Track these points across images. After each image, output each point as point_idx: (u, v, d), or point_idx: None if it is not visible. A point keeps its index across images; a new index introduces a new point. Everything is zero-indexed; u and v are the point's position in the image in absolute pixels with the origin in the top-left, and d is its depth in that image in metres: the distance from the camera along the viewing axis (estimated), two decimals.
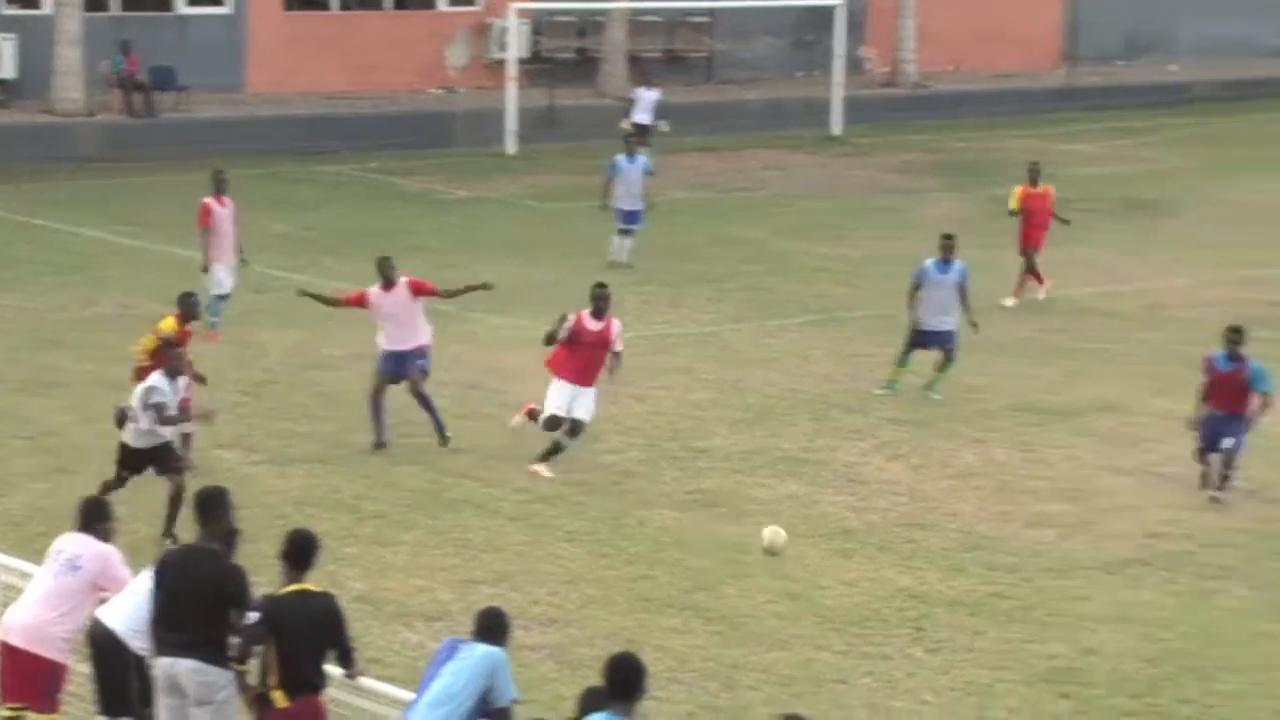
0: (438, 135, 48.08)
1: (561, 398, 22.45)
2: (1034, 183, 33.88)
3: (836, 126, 51.87)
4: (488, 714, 13.03)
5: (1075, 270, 35.02)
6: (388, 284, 23.42)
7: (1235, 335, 22.52)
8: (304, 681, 13.54)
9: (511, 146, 47.33)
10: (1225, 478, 22.24)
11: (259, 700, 13.66)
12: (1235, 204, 42.78)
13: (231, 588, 13.79)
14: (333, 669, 13.76)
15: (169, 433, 20.00)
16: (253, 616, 13.65)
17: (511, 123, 47.34)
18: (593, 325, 22.49)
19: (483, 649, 13.12)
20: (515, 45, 48.46)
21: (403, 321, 23.40)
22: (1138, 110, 57.84)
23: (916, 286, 26.63)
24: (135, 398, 19.83)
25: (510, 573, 19.53)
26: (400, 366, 23.35)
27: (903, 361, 26.56)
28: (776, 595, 19.26)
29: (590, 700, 12.29)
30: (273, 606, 13.66)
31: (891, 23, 56.93)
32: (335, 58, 49.97)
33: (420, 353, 23.56)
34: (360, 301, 23.63)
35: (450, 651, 13.21)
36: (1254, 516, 21.81)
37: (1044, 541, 21.09)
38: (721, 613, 18.79)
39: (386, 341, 23.43)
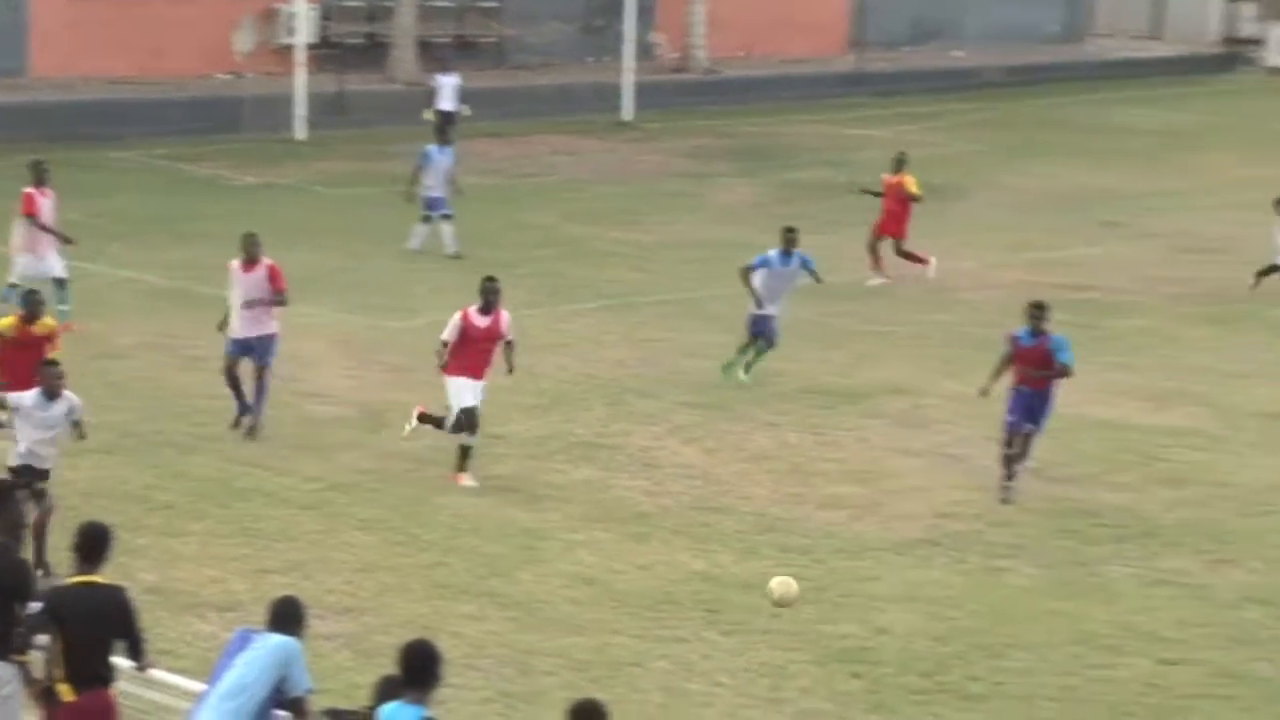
0: (226, 121, 47.56)
1: (461, 391, 21.93)
2: (896, 171, 34.60)
3: (627, 112, 52.01)
4: (282, 704, 12.93)
5: (862, 254, 35.29)
6: (250, 262, 23.38)
7: (1038, 311, 22.37)
8: (91, 674, 13.34)
9: (300, 132, 47.01)
10: (1019, 457, 22.08)
11: (46, 694, 13.45)
12: (1021, 188, 43.42)
13: (11, 580, 13.57)
14: (123, 661, 13.59)
15: (41, 451, 18.81)
16: (35, 607, 13.45)
17: (300, 108, 47.00)
18: (480, 321, 22.04)
19: (276, 639, 13.00)
20: (304, 30, 48.09)
21: (254, 304, 23.34)
22: (924, 95, 58.55)
23: (751, 269, 26.56)
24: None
25: (304, 561, 19.39)
26: (247, 352, 23.33)
27: (755, 359, 26.69)
28: (571, 580, 19.27)
29: (386, 688, 12.24)
30: (55, 598, 13.45)
31: (682, 8, 57.19)
32: (121, 42, 49.33)
33: (267, 342, 23.45)
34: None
35: (243, 642, 13.08)
36: (1040, 496, 22.13)
37: (835, 523, 21.26)
38: (517, 598, 18.77)
39: (238, 323, 23.35)
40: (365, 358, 24.55)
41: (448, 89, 44.66)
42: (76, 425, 18.89)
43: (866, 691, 16.92)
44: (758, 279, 26.52)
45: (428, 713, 11.87)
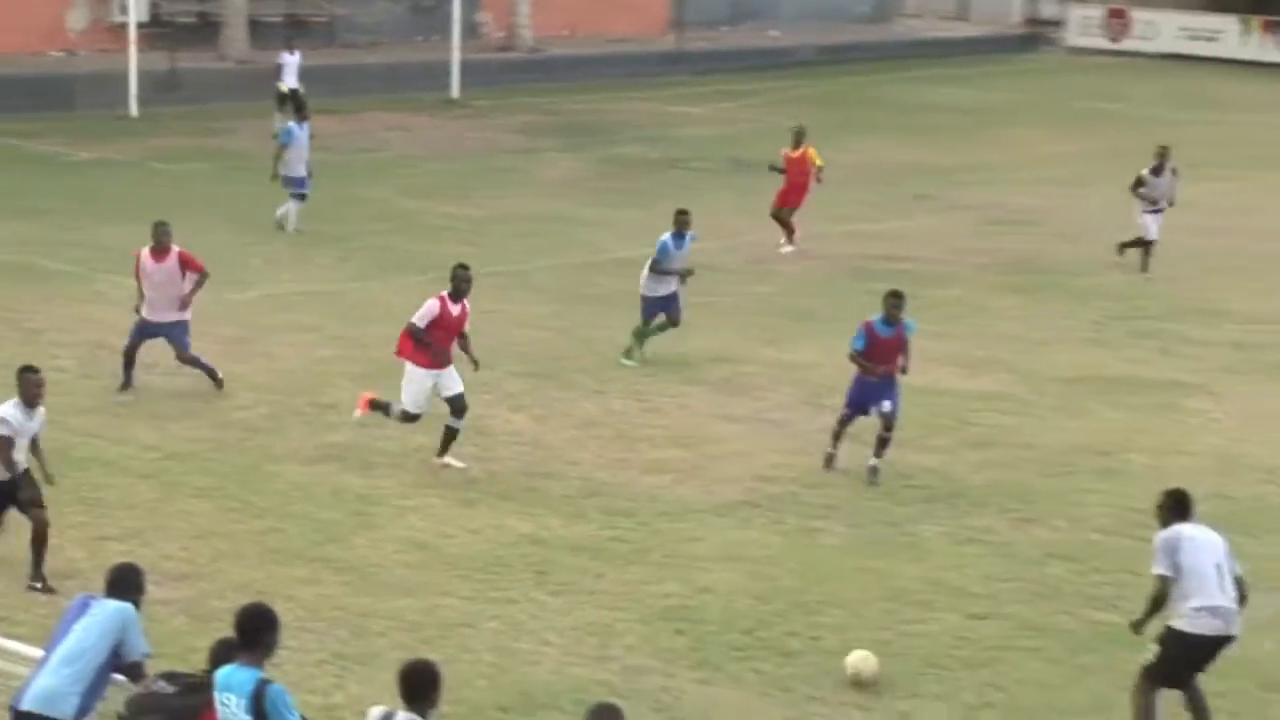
0: (60, 98, 46.95)
1: (423, 388, 21.26)
2: (796, 146, 34.82)
3: (455, 90, 51.83)
4: (120, 669, 12.83)
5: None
6: (160, 251, 23.23)
7: (895, 300, 21.54)
8: None
9: (134, 109, 46.49)
10: (885, 441, 21.44)
11: None
12: (836, 163, 43.51)
13: None
14: None
15: (23, 461, 17.65)
16: None
17: (133, 86, 46.48)
18: (454, 309, 21.24)
19: (114, 605, 12.90)
20: (135, 9, 47.53)
21: (166, 292, 23.22)
22: (742, 74, 58.83)
23: (657, 261, 26.08)
24: None
25: (141, 529, 19.22)
26: (153, 336, 23.36)
27: (653, 331, 26.36)
28: (404, 545, 19.23)
29: (221, 651, 12.17)
30: None
31: None
32: None
33: (180, 328, 23.39)
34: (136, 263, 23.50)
35: (81, 608, 12.97)
36: (855, 459, 22.31)
37: (659, 487, 21.34)
38: (350, 563, 18.71)
39: (146, 310, 23.25)
40: (201, 329, 24.30)
41: (291, 66, 44.31)
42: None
43: (690, 648, 17.01)
44: (663, 265, 26.15)
45: (263, 675, 11.82)
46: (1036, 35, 72.03)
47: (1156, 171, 33.07)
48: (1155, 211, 32.89)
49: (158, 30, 50.14)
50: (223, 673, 11.91)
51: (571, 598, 18.03)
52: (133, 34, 46.49)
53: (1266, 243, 35.60)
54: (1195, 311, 30.26)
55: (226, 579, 17.97)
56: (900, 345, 21.55)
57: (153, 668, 13.09)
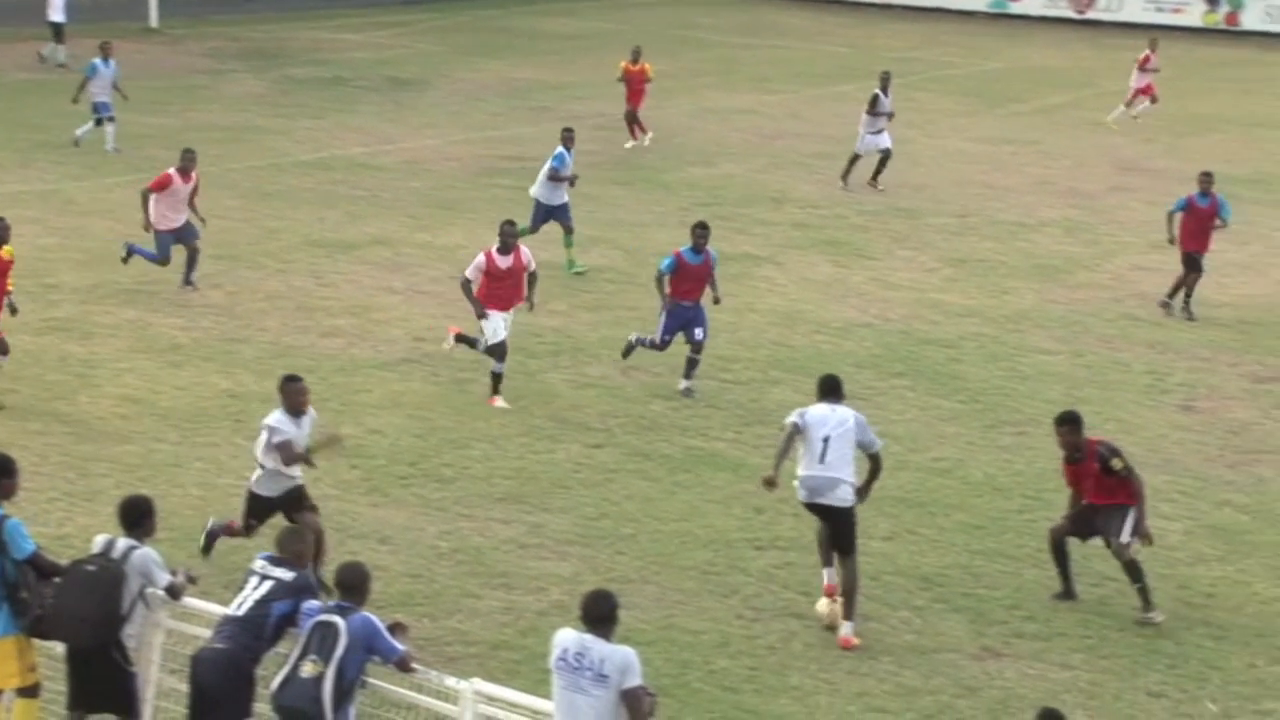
0: None
1: (496, 329, 19.09)
2: (635, 61, 35.26)
3: (154, 19, 50.08)
4: None
5: (349, 135, 34.91)
6: (186, 172, 22.92)
7: (701, 231, 19.79)
8: None
9: None
10: (694, 363, 19.84)
11: None
12: (473, 81, 43.30)
13: None
14: None
15: (299, 473, 14.44)
16: None
17: None
18: (503, 262, 19.11)
19: None
20: None
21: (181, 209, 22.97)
22: (395, 7, 57.92)
23: (556, 172, 24.95)
24: (258, 444, 14.33)
25: None
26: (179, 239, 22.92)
27: (534, 230, 24.90)
28: (121, 401, 18.69)
29: None
30: None
31: None
32: None
33: (191, 228, 23.09)
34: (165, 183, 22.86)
35: None
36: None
37: (334, 348, 21.05)
38: (76, 417, 18.13)
39: (174, 217, 22.81)
40: None
41: (57, 2, 42.54)
42: None
43: (363, 479, 16.86)
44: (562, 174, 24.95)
45: (2, 512, 11.35)
46: None
47: (885, 90, 31.67)
48: (879, 131, 31.35)
49: None
50: None
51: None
52: None
53: (815, 144, 36.24)
54: (764, 198, 30.71)
55: None
56: (707, 273, 19.82)
57: None
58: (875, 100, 31.55)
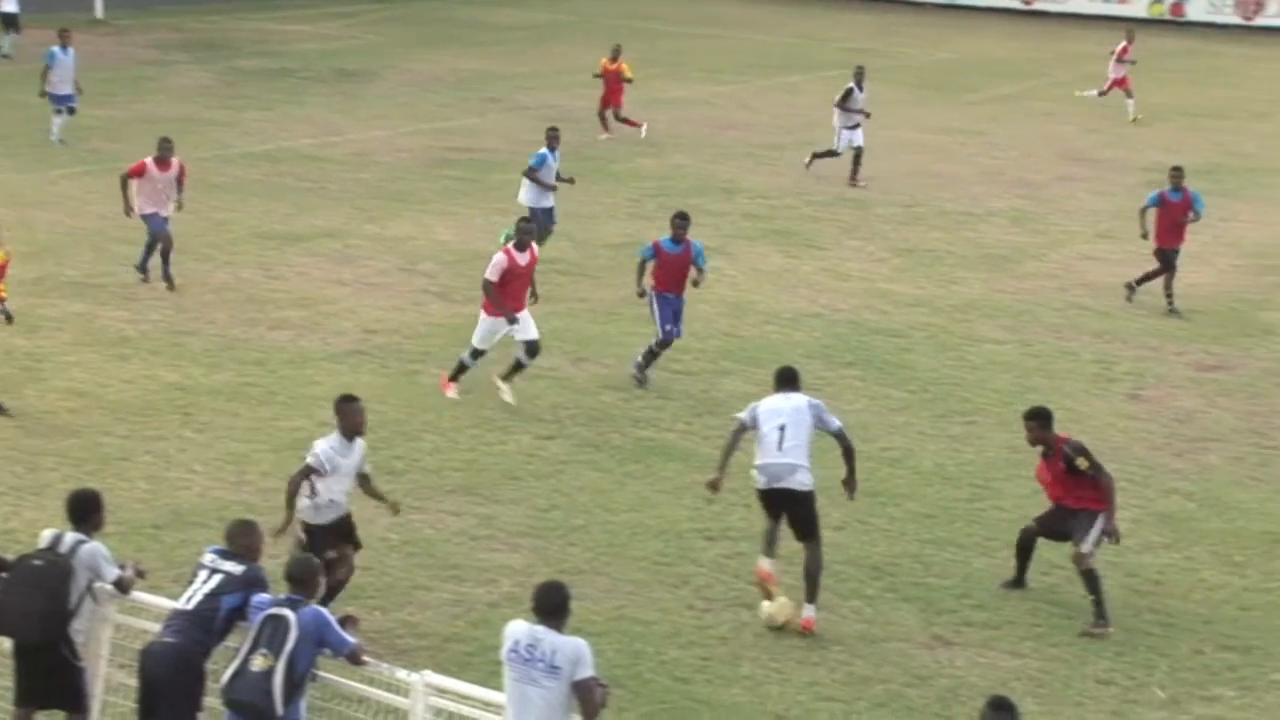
0: None
1: (491, 330, 18.80)
2: (613, 59, 34.95)
3: (99, 10, 49.75)
4: None
5: (296, 126, 34.78)
6: (163, 161, 22.59)
7: (681, 221, 19.63)
8: None
9: None
10: (656, 355, 19.76)
11: None
12: (421, 72, 43.19)
13: None
14: None
15: (344, 503, 13.38)
16: None
17: None
18: (521, 259, 18.74)
19: None
20: None
21: (159, 200, 22.71)
22: None
23: (536, 167, 24.62)
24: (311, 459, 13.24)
25: None
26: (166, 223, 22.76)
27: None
28: (67, 394, 18.58)
29: None
30: None
31: None
32: None
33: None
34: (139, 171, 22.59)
35: None
36: (445, 313, 22.24)
37: (283, 340, 20.97)
38: (22, 410, 18.01)
39: (157, 205, 22.64)
40: None
41: None
42: None
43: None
44: (543, 175, 24.63)
45: None
46: None
47: (860, 87, 31.63)
48: (854, 126, 31.41)
49: None
50: None
51: (213, 434, 17.65)
52: None
53: (766, 135, 36.30)
54: (714, 189, 30.74)
55: None
56: (687, 262, 19.58)
57: None
58: (848, 94, 31.59)
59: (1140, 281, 24.08)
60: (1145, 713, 12.86)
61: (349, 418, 13.24)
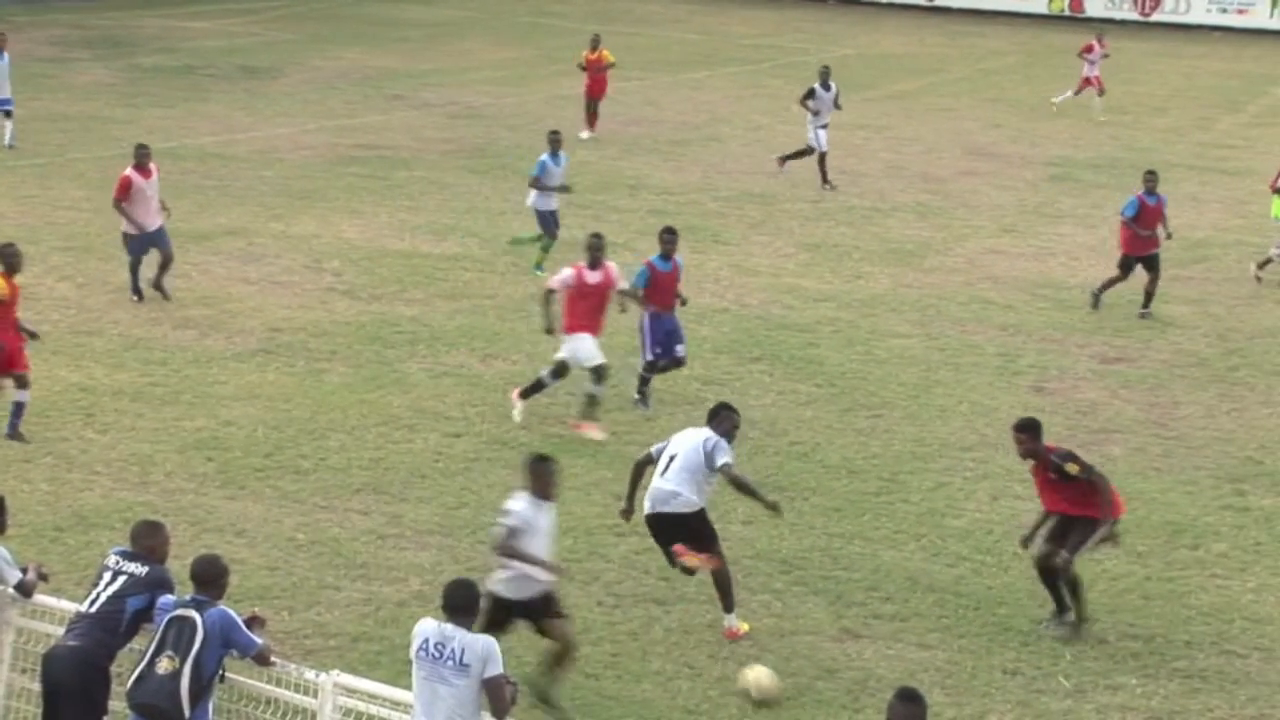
0: None
1: (592, 354, 18.02)
2: (594, 49, 35.19)
3: None
4: None
5: (199, 124, 34.47)
6: (143, 169, 22.07)
7: (669, 236, 18.88)
8: None
9: None
10: (645, 381, 19.08)
11: None
12: (325, 69, 42.93)
13: None
14: None
15: (546, 577, 12.00)
16: None
17: None
18: (592, 277, 18.00)
19: None
20: None
21: (152, 205, 22.18)
22: None
23: (538, 175, 24.22)
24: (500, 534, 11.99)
25: None
26: (152, 242, 22.14)
27: (553, 237, 24.23)
28: None
29: None
30: None
31: None
32: None
33: (164, 232, 22.34)
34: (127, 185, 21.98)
35: None
36: (351, 311, 22.09)
37: (187, 340, 20.75)
38: None
39: (145, 219, 21.96)
40: None
41: None
42: None
43: (218, 471, 16.63)
44: (545, 180, 24.15)
45: None
46: None
47: (825, 86, 31.54)
48: (823, 126, 31.25)
49: None
50: None
51: (116, 434, 17.43)
52: None
53: (671, 131, 36.34)
54: (620, 185, 30.74)
55: None
56: (676, 279, 18.93)
57: None
58: (811, 93, 31.59)
59: (1103, 289, 23.87)
60: (1051, 702, 12.97)
61: (543, 479, 11.93)
